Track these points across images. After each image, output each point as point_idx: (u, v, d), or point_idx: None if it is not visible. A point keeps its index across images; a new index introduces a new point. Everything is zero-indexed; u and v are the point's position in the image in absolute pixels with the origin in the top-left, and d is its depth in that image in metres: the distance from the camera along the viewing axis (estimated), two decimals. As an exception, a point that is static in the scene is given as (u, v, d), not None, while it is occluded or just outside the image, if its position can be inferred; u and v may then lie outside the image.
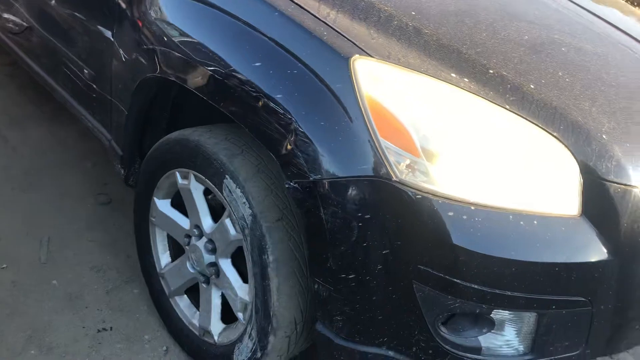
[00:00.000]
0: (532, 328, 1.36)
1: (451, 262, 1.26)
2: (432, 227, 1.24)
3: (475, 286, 1.27)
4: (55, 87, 2.28)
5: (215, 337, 1.74)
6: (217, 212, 1.71)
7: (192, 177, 1.67)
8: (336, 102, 1.30)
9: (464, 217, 1.24)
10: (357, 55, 1.31)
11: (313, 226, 1.34)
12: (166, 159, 1.74)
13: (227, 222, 1.60)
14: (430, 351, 1.37)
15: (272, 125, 1.36)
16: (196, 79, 1.53)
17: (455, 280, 1.27)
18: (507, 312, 1.32)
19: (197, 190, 1.69)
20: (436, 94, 1.30)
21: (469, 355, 1.36)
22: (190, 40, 1.53)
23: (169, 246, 1.93)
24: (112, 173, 2.68)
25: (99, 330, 1.91)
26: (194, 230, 1.74)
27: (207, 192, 1.70)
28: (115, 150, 2.00)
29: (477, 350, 1.36)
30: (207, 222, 1.70)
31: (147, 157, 1.83)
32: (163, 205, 1.84)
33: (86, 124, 2.20)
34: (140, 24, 1.67)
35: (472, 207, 1.24)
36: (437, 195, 1.24)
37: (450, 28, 1.42)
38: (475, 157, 1.27)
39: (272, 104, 1.36)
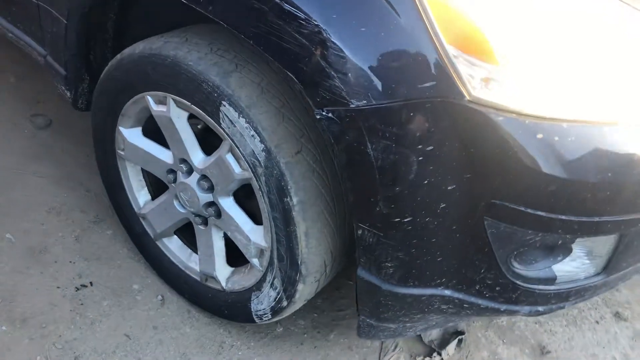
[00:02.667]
0: (610, 248, 1.18)
1: (538, 193, 1.01)
2: (515, 155, 0.98)
3: (564, 217, 1.04)
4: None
5: (223, 283, 1.49)
6: (206, 140, 1.38)
7: (171, 103, 1.31)
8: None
9: (556, 138, 0.98)
10: None
11: (357, 164, 1.05)
12: (131, 81, 1.35)
13: (229, 157, 1.27)
14: (497, 288, 1.18)
15: (289, 35, 1.01)
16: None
17: (539, 213, 1.04)
18: (591, 237, 1.12)
19: (179, 119, 1.33)
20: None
21: (542, 287, 1.18)
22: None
23: (145, 182, 1.60)
24: (44, 88, 2.24)
25: (77, 288, 1.61)
26: (181, 165, 1.41)
27: (190, 117, 1.36)
28: (55, 69, 1.57)
29: (552, 280, 1.18)
30: (197, 156, 1.37)
31: (103, 78, 1.43)
32: (132, 135, 1.48)
33: (7, 35, 1.72)
34: None
35: (565, 125, 0.98)
36: (523, 114, 0.97)
37: None
38: (568, 61, 0.98)
39: (286, 6, 0.99)
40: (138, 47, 1.32)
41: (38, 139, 2.03)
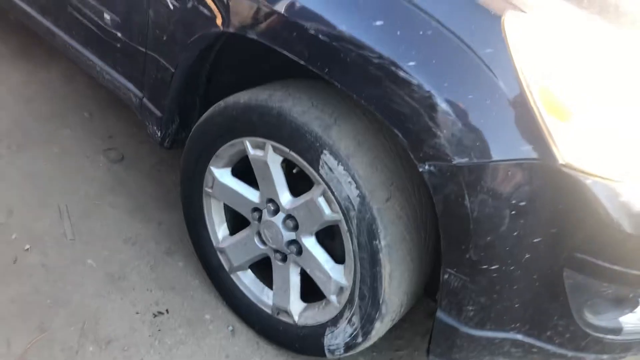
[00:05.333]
0: (672, 302, 1.29)
1: (617, 250, 1.13)
2: (600, 214, 1.10)
3: (637, 272, 1.16)
4: (54, 31, 1.91)
5: (296, 317, 1.60)
6: (293, 184, 1.50)
7: (269, 148, 1.44)
8: (487, 70, 1.09)
9: (636, 201, 1.10)
10: (509, 12, 1.09)
11: (453, 214, 1.17)
12: (233, 126, 1.49)
13: (320, 200, 1.40)
14: (567, 335, 1.28)
15: (401, 98, 1.15)
16: (289, 40, 1.26)
17: (616, 267, 1.15)
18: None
19: (274, 163, 1.46)
20: (610, 60, 1.11)
21: (610, 336, 1.28)
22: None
23: (225, 218, 1.72)
24: (115, 123, 2.39)
25: (154, 315, 1.72)
26: (268, 204, 1.53)
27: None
28: (151, 110, 1.72)
29: (619, 330, 1.28)
30: (285, 197, 1.49)
31: (203, 122, 1.57)
32: (223, 175, 1.61)
33: (100, 77, 1.87)
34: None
35: (645, 190, 1.11)
36: (608, 179, 1.09)
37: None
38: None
39: (401, 74, 1.13)
40: (243, 97, 1.46)
41: (112, 172, 2.16)
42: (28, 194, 1.98)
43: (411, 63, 1.13)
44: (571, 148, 1.08)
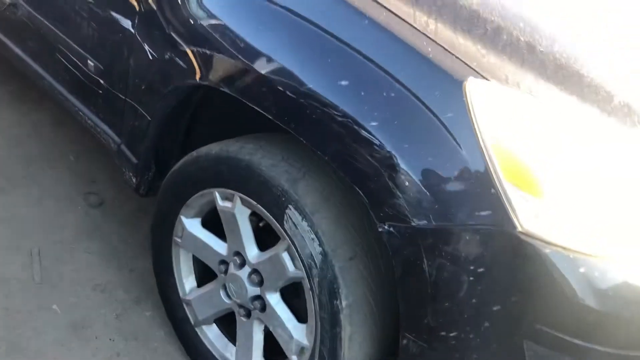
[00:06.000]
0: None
1: (577, 322, 1.10)
2: (559, 285, 1.08)
3: (599, 347, 1.12)
4: (43, 75, 1.95)
5: (257, 377, 1.55)
6: (260, 237, 1.49)
7: (237, 200, 1.43)
8: (447, 134, 1.09)
9: (596, 273, 1.08)
10: (471, 78, 1.11)
11: (411, 277, 1.15)
12: (203, 177, 1.49)
13: (284, 256, 1.38)
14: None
15: (362, 157, 1.15)
16: (258, 94, 1.28)
17: (577, 341, 1.12)
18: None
19: (242, 215, 1.45)
20: (568, 128, 1.11)
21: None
22: (251, 46, 1.27)
23: (194, 269, 1.70)
24: (99, 168, 2.40)
25: (114, 367, 1.67)
26: (234, 257, 1.51)
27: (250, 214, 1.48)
28: (127, 157, 1.72)
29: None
30: (252, 251, 1.47)
31: (176, 171, 1.57)
32: (192, 225, 1.60)
33: (83, 121, 1.89)
34: (176, 19, 1.38)
35: (605, 261, 1.08)
36: (567, 249, 1.07)
37: (567, 44, 1.22)
38: (613, 202, 1.10)
39: (363, 133, 1.14)
40: (215, 148, 1.47)
41: (90, 216, 2.15)
42: (1, 237, 1.96)
43: (373, 123, 1.13)
44: (530, 216, 1.07)
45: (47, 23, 1.79)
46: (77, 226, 2.09)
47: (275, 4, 1.26)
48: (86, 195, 2.25)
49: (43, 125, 2.54)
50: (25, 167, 2.29)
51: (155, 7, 1.43)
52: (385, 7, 1.19)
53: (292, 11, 1.27)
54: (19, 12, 1.86)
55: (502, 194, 1.07)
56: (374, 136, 1.13)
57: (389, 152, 1.12)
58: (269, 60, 1.24)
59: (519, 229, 1.07)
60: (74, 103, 1.86)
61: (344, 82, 1.17)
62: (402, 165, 1.11)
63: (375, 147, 1.13)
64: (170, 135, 1.65)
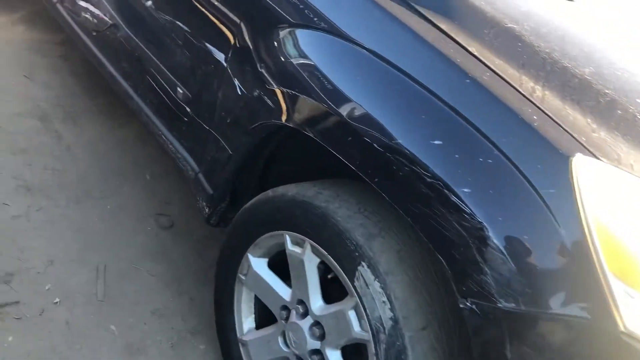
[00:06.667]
0: None
1: None
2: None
3: None
4: (132, 95, 1.99)
5: None
6: (327, 289, 1.42)
7: (308, 247, 1.38)
8: (547, 211, 1.00)
9: None
10: (579, 155, 1.01)
11: (490, 361, 1.05)
12: (276, 218, 1.45)
13: (351, 314, 1.30)
14: None
15: (449, 224, 1.07)
16: (343, 143, 1.23)
17: None
18: None
19: (310, 263, 1.39)
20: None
21: None
22: (341, 93, 1.23)
23: (254, 309, 1.65)
24: (173, 190, 2.42)
25: (163, 398, 1.63)
26: (298, 306, 1.45)
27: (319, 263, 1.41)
28: (203, 186, 1.71)
29: None
30: (316, 301, 1.41)
31: (249, 209, 1.53)
32: (259, 265, 1.55)
33: (165, 145, 1.90)
34: (269, 58, 1.36)
35: None
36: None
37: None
38: None
39: (453, 198, 1.06)
40: (291, 190, 1.42)
41: (159, 238, 2.16)
42: (72, 248, 1.99)
43: (466, 189, 1.05)
44: (635, 315, 0.95)
45: (142, 46, 1.83)
46: (145, 246, 2.10)
47: (376, 54, 1.21)
48: (157, 216, 2.26)
49: (126, 141, 2.60)
50: (104, 181, 2.33)
51: (250, 45, 1.42)
52: (489, 67, 1.12)
53: (389, 61, 1.21)
54: (119, 33, 1.91)
55: (604, 286, 0.96)
56: (465, 203, 1.05)
57: (480, 222, 1.03)
58: (358, 109, 1.19)
59: (621, 328, 0.95)
60: (158, 126, 1.88)
61: (437, 142, 1.10)
62: (494, 239, 1.02)
63: (465, 215, 1.05)
64: (249, 170, 1.62)
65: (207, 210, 1.74)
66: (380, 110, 1.17)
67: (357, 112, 1.21)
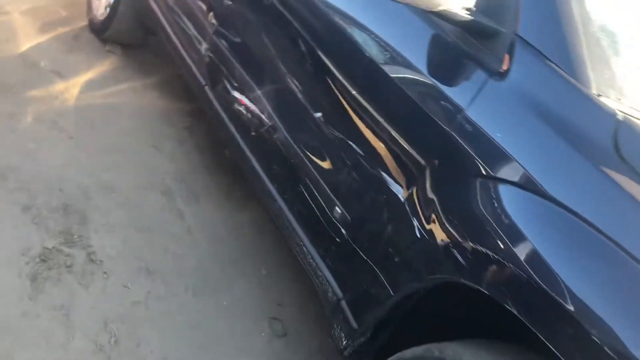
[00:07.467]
0: None
1: None
2: None
3: None
4: (275, 198, 1.91)
5: None
6: None
7: None
8: None
9: None
10: None
11: None
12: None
13: None
14: None
15: None
16: (557, 332, 1.07)
17: None
18: None
19: None
20: None
21: None
22: (544, 264, 1.08)
23: None
24: (287, 290, 2.31)
25: None
26: None
27: None
28: (346, 317, 1.58)
29: None
30: None
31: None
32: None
33: (303, 257, 1.80)
34: (462, 210, 1.24)
35: None
36: None
37: None
38: None
39: None
40: (449, 355, 1.26)
41: (271, 346, 2.03)
42: (185, 347, 1.88)
43: None
44: None
45: (300, 154, 1.75)
46: (258, 355, 1.97)
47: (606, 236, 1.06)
48: (271, 320, 2.14)
49: (243, 227, 2.53)
50: (221, 271, 2.25)
51: (438, 191, 1.30)
52: None
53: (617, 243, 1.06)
54: (275, 135, 1.86)
55: None
56: None
57: None
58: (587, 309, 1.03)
59: None
60: (301, 237, 1.78)
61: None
62: None
63: None
64: (405, 313, 1.48)
65: (344, 342, 1.60)
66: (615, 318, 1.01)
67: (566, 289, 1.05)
